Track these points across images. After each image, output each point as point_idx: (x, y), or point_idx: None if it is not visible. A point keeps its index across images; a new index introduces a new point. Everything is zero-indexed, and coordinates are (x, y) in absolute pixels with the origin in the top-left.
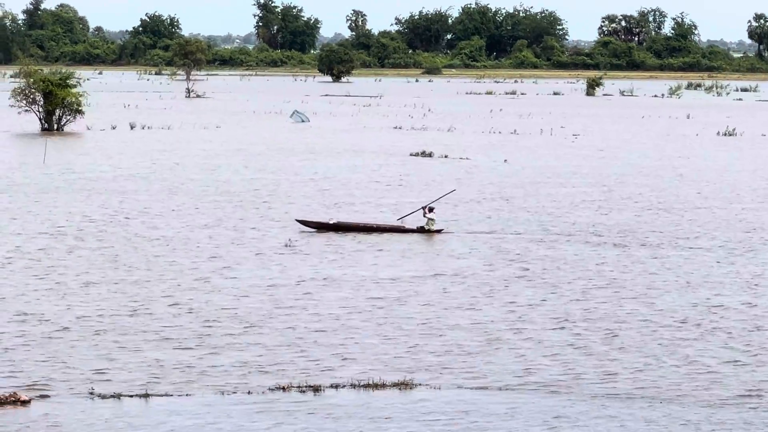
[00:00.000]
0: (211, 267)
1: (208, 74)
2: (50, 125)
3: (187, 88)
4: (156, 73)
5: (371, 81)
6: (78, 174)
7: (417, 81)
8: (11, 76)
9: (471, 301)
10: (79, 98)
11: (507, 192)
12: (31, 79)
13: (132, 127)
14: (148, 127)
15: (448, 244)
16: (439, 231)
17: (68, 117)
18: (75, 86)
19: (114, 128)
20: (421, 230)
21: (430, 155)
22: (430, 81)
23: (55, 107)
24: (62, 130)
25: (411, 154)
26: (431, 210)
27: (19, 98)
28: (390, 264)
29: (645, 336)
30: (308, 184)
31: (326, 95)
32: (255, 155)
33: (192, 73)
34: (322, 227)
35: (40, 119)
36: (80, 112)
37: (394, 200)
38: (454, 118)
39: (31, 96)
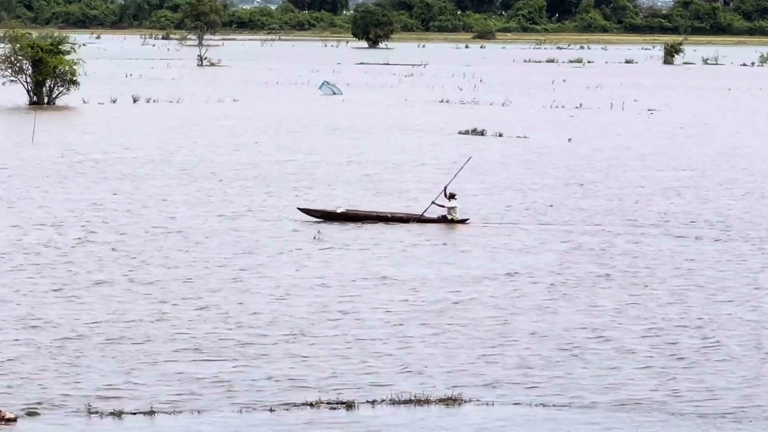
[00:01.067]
0: (236, 264)
1: (223, 39)
2: (40, 98)
3: (200, 55)
4: (163, 38)
5: (414, 47)
6: (73, 155)
7: (467, 47)
8: None
9: (542, 304)
10: (74, 67)
11: (576, 176)
12: (18, 45)
13: (135, 101)
14: (155, 101)
15: (513, 237)
16: (463, 221)
17: (61, 88)
18: (68, 53)
19: (114, 102)
20: (443, 220)
21: (482, 133)
22: (482, 47)
23: (45, 77)
24: (54, 103)
25: (460, 132)
26: (453, 197)
27: (3, 67)
28: (444, 260)
29: (748, 344)
30: (345, 167)
31: (361, 63)
32: (281, 133)
33: (205, 37)
34: (327, 217)
35: (27, 91)
36: (75, 82)
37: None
38: (510, 90)
39: (18, 64)
